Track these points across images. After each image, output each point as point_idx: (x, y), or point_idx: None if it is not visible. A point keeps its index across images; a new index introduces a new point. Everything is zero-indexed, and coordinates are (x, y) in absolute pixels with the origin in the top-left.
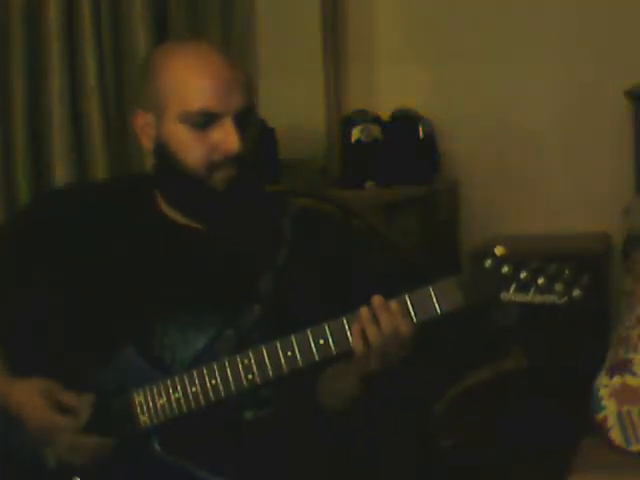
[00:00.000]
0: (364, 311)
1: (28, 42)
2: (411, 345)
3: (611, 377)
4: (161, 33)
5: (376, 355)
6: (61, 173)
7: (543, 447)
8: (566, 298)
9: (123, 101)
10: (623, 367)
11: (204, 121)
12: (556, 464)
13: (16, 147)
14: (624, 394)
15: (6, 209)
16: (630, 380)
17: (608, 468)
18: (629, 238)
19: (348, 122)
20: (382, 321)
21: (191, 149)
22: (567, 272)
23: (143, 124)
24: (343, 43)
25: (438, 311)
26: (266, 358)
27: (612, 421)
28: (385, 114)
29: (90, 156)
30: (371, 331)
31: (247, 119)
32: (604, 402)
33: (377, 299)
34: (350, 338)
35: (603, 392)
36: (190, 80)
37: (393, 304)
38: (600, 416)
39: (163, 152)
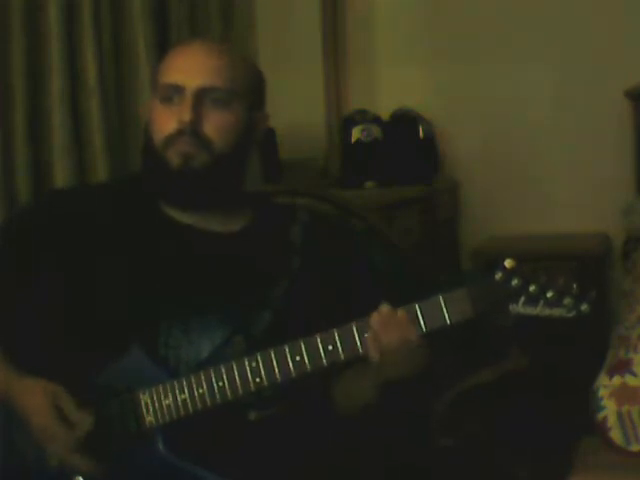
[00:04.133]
0: (375, 318)
1: (28, 42)
2: (423, 354)
3: (611, 377)
4: (161, 33)
5: (388, 362)
6: (61, 173)
7: (543, 447)
8: (574, 312)
9: (123, 101)
10: (623, 367)
11: (168, 93)
12: (556, 464)
13: (16, 147)
14: (624, 394)
15: (6, 209)
16: (630, 380)
17: (608, 468)
18: (629, 238)
19: (348, 122)
20: (391, 329)
21: (157, 122)
22: (575, 287)
23: (146, 110)
24: (343, 43)
25: (447, 321)
26: (274, 362)
27: (612, 421)
28: (385, 114)
29: (90, 156)
30: (383, 338)
31: (214, 99)
32: (604, 402)
33: (385, 308)
34: (359, 344)
35: (603, 392)
36: (169, 59)
37: (400, 312)
38: (600, 416)
39: (146, 131)
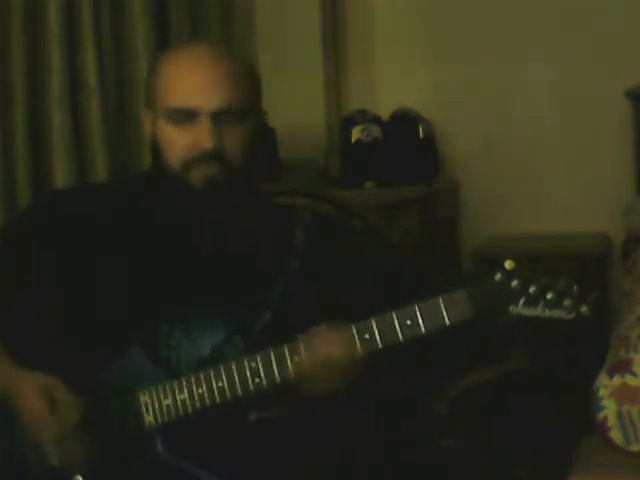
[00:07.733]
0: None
1: (28, 42)
2: (354, 375)
3: (611, 377)
4: (161, 33)
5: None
6: (61, 173)
7: (543, 447)
8: (574, 314)
9: (123, 101)
10: (623, 367)
11: (182, 117)
12: (556, 464)
13: (16, 147)
14: (624, 394)
15: (6, 209)
16: (630, 380)
17: (608, 468)
18: (629, 238)
19: (348, 122)
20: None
21: (172, 145)
22: (576, 288)
23: (146, 120)
24: (343, 43)
25: (447, 322)
26: (274, 362)
27: (612, 421)
28: (385, 114)
29: (90, 156)
30: (305, 357)
31: (231, 118)
32: (604, 402)
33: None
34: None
35: (603, 392)
36: (174, 77)
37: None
38: (600, 416)
39: (154, 148)
